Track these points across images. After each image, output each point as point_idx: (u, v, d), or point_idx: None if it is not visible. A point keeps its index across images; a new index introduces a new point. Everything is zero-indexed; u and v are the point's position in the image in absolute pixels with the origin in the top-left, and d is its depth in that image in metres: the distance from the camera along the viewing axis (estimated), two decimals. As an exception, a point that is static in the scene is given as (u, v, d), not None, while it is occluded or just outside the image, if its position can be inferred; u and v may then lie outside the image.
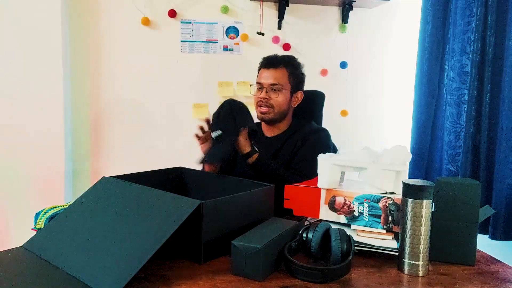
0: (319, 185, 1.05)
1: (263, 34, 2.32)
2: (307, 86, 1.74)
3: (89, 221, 0.95)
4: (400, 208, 0.91)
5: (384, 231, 0.97)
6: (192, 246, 0.91)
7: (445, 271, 0.90)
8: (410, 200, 0.87)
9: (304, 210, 1.06)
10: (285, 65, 1.56)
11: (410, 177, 2.05)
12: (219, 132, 1.29)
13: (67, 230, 0.95)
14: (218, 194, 0.97)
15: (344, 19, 2.39)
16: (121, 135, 2.31)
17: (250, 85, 1.65)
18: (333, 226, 0.92)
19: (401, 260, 0.89)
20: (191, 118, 2.29)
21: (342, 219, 1.02)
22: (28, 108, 2.11)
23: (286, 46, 2.37)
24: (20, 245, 0.96)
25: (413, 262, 0.87)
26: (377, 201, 0.98)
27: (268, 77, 1.54)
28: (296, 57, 1.64)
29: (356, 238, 0.97)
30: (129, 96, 2.30)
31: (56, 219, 1.00)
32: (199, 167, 1.42)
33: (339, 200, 1.02)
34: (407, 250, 0.88)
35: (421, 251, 0.87)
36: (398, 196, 0.96)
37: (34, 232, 1.00)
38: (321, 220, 1.04)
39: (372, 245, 0.96)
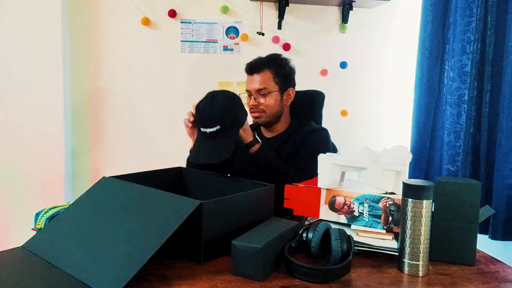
0: (319, 185, 1.05)
1: (263, 34, 2.32)
2: (307, 86, 1.74)
3: (89, 221, 0.95)
4: (400, 208, 0.91)
5: (384, 231, 0.97)
6: (192, 246, 0.91)
7: (445, 271, 0.90)
8: (410, 200, 0.87)
9: (304, 210, 1.06)
10: (269, 67, 1.52)
11: (410, 177, 2.05)
12: (217, 127, 1.23)
13: (67, 230, 0.95)
14: (218, 194, 0.97)
15: (344, 19, 2.39)
16: (121, 135, 2.31)
17: (240, 94, 1.62)
18: (333, 226, 0.92)
19: (401, 260, 0.89)
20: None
21: (342, 219, 1.02)
22: (28, 108, 2.11)
23: (286, 46, 2.37)
24: (20, 245, 0.96)
25: (413, 262, 0.87)
26: (377, 201, 0.98)
27: (253, 82, 1.52)
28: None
29: (356, 238, 0.97)
30: (129, 96, 2.31)
31: (56, 219, 1.00)
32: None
33: (339, 200, 1.02)
34: (407, 250, 0.88)
35: (421, 251, 0.87)
36: (398, 196, 0.96)
37: (34, 232, 1.00)
38: (321, 220, 1.04)
39: (372, 245, 0.96)
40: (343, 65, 2.43)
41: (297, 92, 1.64)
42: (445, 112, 1.99)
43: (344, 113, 2.44)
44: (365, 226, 0.99)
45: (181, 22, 2.31)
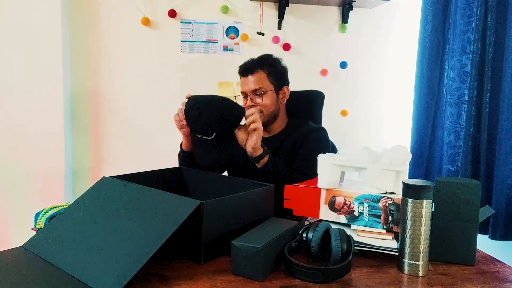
0: (319, 185, 1.05)
1: (263, 34, 2.32)
2: (307, 86, 1.74)
3: (89, 221, 0.95)
4: (400, 208, 0.91)
5: (384, 231, 0.97)
6: (192, 246, 0.91)
7: (445, 271, 0.90)
8: (410, 200, 0.87)
9: (304, 210, 1.06)
10: (261, 67, 1.52)
11: (410, 177, 2.05)
12: (213, 135, 1.24)
13: (67, 230, 0.95)
14: (218, 194, 0.97)
15: (344, 19, 2.39)
16: (121, 135, 2.31)
17: (236, 96, 1.62)
18: (333, 226, 0.92)
19: (401, 260, 0.89)
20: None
21: (342, 219, 1.02)
22: (28, 108, 2.11)
23: (286, 46, 2.37)
24: (20, 245, 0.96)
25: (413, 262, 0.87)
26: (377, 201, 0.98)
27: (248, 83, 1.52)
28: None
29: (356, 238, 0.97)
30: (129, 96, 2.31)
31: (56, 219, 1.00)
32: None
33: (339, 200, 1.02)
34: (407, 250, 0.88)
35: (421, 251, 0.87)
36: (398, 196, 0.96)
37: (34, 232, 1.00)
38: (321, 220, 1.04)
39: (372, 245, 0.96)
40: (343, 65, 2.43)
41: (297, 92, 1.64)
42: (445, 112, 1.99)
43: (344, 113, 2.44)
44: (365, 226, 0.99)
45: (181, 22, 2.31)
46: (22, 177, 2.14)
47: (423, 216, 0.86)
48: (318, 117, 1.75)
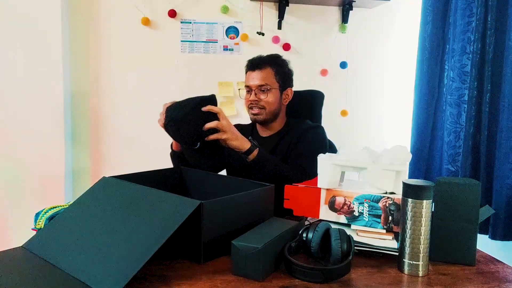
0: (319, 185, 1.05)
1: (263, 34, 2.32)
2: (307, 86, 1.74)
3: (89, 221, 0.95)
4: (400, 208, 0.91)
5: (384, 231, 0.97)
6: (192, 246, 0.91)
7: (445, 271, 0.90)
8: (410, 200, 0.87)
9: (304, 210, 1.06)
10: (270, 65, 1.54)
11: (410, 177, 2.05)
12: (198, 144, 1.24)
13: (67, 230, 0.95)
14: (218, 194, 0.97)
15: (344, 19, 2.39)
16: (121, 135, 2.31)
17: (239, 89, 1.63)
18: (333, 226, 0.92)
19: (401, 260, 0.89)
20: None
21: (342, 219, 1.02)
22: (28, 108, 2.11)
23: (286, 46, 2.37)
24: (20, 245, 0.96)
25: (413, 262, 0.87)
26: (377, 201, 0.98)
27: (255, 78, 1.53)
28: (283, 55, 1.63)
29: (356, 238, 0.97)
30: (129, 96, 2.31)
31: (56, 219, 1.00)
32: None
33: (339, 200, 1.02)
34: (407, 250, 0.88)
35: (421, 251, 0.87)
36: (398, 196, 0.96)
37: (34, 232, 1.00)
38: (321, 220, 1.04)
39: (372, 245, 0.96)
40: (343, 65, 2.43)
41: (297, 92, 1.65)
42: (445, 112, 1.99)
43: (344, 113, 2.44)
44: (365, 226, 0.99)
45: (181, 22, 2.31)
46: (22, 177, 2.14)
47: (423, 216, 0.86)
48: (318, 117, 1.75)
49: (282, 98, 1.57)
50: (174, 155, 1.47)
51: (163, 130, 1.28)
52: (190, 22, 2.32)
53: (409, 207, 0.87)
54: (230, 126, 1.27)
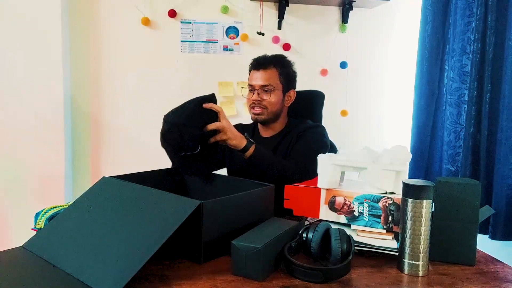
0: (319, 185, 1.05)
1: (263, 34, 2.32)
2: (307, 86, 1.74)
3: (89, 221, 0.95)
4: (400, 208, 0.91)
5: (384, 231, 0.97)
6: (192, 246, 0.91)
7: (445, 271, 0.90)
8: (410, 200, 0.87)
9: (304, 210, 1.06)
10: (275, 65, 1.54)
11: (410, 177, 2.05)
12: (198, 148, 1.21)
13: (67, 230, 0.95)
14: (218, 194, 0.97)
15: (344, 19, 2.39)
16: (121, 135, 2.31)
17: (242, 87, 1.62)
18: (333, 226, 0.92)
19: (401, 260, 0.89)
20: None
21: (342, 219, 1.02)
22: (28, 108, 2.11)
23: (286, 46, 2.37)
24: (20, 245, 0.96)
25: (413, 262, 0.87)
26: (377, 201, 0.98)
27: (259, 78, 1.52)
28: (286, 56, 1.63)
29: (356, 238, 0.97)
30: (129, 96, 2.31)
31: (56, 219, 1.00)
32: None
33: (339, 200, 1.02)
34: (407, 250, 0.88)
35: (421, 251, 0.87)
36: (398, 196, 0.96)
37: (34, 232, 1.00)
38: (321, 220, 1.04)
39: (372, 245, 0.96)
40: (343, 65, 2.43)
41: (297, 92, 1.65)
42: (445, 112, 1.99)
43: (344, 113, 2.44)
44: (365, 226, 0.99)
45: (181, 22, 2.31)
46: (22, 177, 2.14)
47: (423, 216, 0.86)
48: (318, 117, 1.75)
49: (284, 99, 1.57)
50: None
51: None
52: (190, 22, 2.32)
53: (409, 207, 0.87)
54: (230, 126, 1.27)
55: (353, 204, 1.00)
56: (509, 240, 1.65)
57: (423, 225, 0.86)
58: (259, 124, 1.64)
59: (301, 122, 1.59)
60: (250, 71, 1.59)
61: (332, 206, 1.03)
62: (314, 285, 0.81)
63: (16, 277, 0.81)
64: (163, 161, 1.46)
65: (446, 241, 0.94)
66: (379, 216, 0.98)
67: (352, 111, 2.45)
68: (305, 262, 0.88)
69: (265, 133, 1.62)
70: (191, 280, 0.83)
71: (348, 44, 2.43)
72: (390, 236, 0.97)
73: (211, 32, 2.33)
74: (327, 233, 0.90)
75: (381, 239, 0.97)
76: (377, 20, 2.45)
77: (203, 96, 1.23)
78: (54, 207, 1.07)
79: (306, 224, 1.06)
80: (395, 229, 0.96)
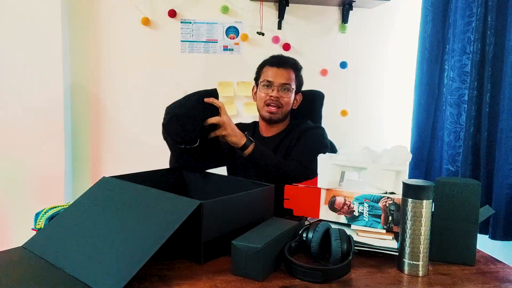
0: (319, 185, 1.05)
1: (263, 34, 2.32)
2: (307, 86, 1.74)
3: (89, 221, 0.95)
4: (400, 208, 0.91)
5: (384, 231, 0.97)
6: (192, 246, 0.91)
7: (445, 271, 0.90)
8: (410, 200, 0.87)
9: (304, 210, 1.06)
10: (292, 67, 1.58)
11: (410, 177, 2.05)
12: (197, 142, 1.21)
13: (67, 230, 0.95)
14: (218, 194, 0.97)
15: (344, 19, 2.39)
16: (121, 135, 2.31)
17: (261, 82, 1.59)
18: (333, 226, 0.92)
19: (401, 260, 0.89)
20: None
21: (342, 219, 1.02)
22: (28, 108, 2.11)
23: (286, 46, 2.37)
24: (20, 245, 0.96)
25: (413, 262, 0.87)
26: (377, 201, 0.98)
27: (279, 76, 1.54)
28: (296, 58, 1.64)
29: (356, 238, 0.97)
30: (129, 96, 2.31)
31: (56, 219, 1.00)
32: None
33: (339, 200, 1.02)
34: (407, 250, 0.88)
35: (421, 251, 0.87)
36: (398, 196, 0.96)
37: (34, 232, 1.00)
38: (321, 220, 1.04)
39: (372, 245, 0.96)
40: (343, 65, 2.43)
41: (297, 93, 1.65)
42: (445, 112, 1.99)
43: (344, 113, 2.44)
44: (365, 226, 0.99)
45: (181, 22, 2.31)
46: (22, 177, 2.14)
47: (423, 216, 0.86)
48: (318, 117, 1.75)
49: (293, 102, 1.60)
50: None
51: (162, 130, 1.27)
52: (190, 22, 2.32)
53: (409, 207, 0.87)
54: (230, 122, 1.27)
55: (353, 204, 1.00)
56: (509, 240, 1.65)
57: (423, 225, 0.86)
58: (260, 124, 1.64)
59: (301, 123, 1.60)
60: (263, 66, 1.59)
61: (332, 206, 1.03)
62: (314, 285, 0.81)
63: (16, 277, 0.81)
64: (163, 161, 1.46)
65: (446, 241, 0.94)
66: (379, 216, 0.98)
67: (352, 111, 2.45)
68: (305, 262, 0.88)
69: (266, 132, 1.62)
70: (191, 280, 0.83)
71: (348, 44, 2.43)
72: (390, 236, 0.97)
73: (211, 32, 2.33)
74: (327, 233, 0.90)
75: (381, 239, 0.97)
76: (377, 20, 2.45)
77: (206, 90, 1.24)
78: (54, 207, 1.07)
79: (306, 224, 1.06)
80: (395, 229, 0.96)
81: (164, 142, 1.47)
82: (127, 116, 2.31)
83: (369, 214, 0.99)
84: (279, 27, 2.35)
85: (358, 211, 1.00)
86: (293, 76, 1.57)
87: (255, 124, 1.67)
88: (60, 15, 2.11)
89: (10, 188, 2.15)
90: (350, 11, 2.37)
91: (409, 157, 1.04)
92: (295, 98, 1.61)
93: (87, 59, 2.26)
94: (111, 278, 0.75)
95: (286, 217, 1.12)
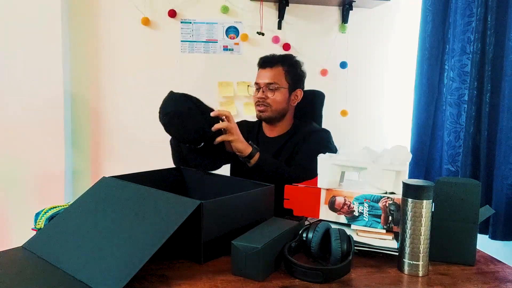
0: (319, 185, 1.05)
1: (263, 34, 2.32)
2: (307, 86, 1.74)
3: (89, 221, 0.95)
4: (400, 208, 0.91)
5: (384, 231, 0.97)
6: (192, 246, 0.91)
7: (445, 271, 0.90)
8: (410, 200, 0.87)
9: (304, 210, 1.06)
10: (282, 64, 1.55)
11: (410, 177, 2.05)
12: (201, 144, 1.22)
13: (67, 230, 0.95)
14: (218, 194, 0.97)
15: (344, 19, 2.39)
16: (121, 135, 2.31)
17: (248, 85, 1.63)
18: (333, 226, 0.92)
19: (401, 260, 0.89)
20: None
21: (342, 219, 1.02)
22: (28, 108, 2.11)
23: (286, 46, 2.37)
24: (20, 245, 0.96)
25: (413, 262, 0.87)
26: (377, 201, 0.98)
27: (264, 76, 1.54)
28: (295, 55, 1.63)
29: (356, 238, 0.97)
30: (129, 96, 2.31)
31: (56, 219, 1.00)
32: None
33: (339, 200, 1.02)
34: (407, 250, 0.88)
35: (421, 251, 0.87)
36: (398, 196, 0.96)
37: (34, 232, 1.00)
38: (321, 220, 1.04)
39: (372, 245, 0.96)
40: (343, 65, 2.43)
41: (297, 92, 1.64)
42: (445, 112, 1.99)
43: (344, 113, 2.44)
44: (365, 226, 0.99)
45: (181, 22, 2.31)
46: (22, 177, 2.14)
47: (423, 216, 0.86)
48: (318, 117, 1.75)
49: (290, 98, 1.57)
50: (175, 143, 1.43)
51: (163, 129, 1.27)
52: (190, 22, 2.32)
53: (409, 207, 0.87)
54: (237, 128, 1.28)
55: (353, 204, 1.00)
56: (509, 240, 1.65)
57: (423, 225, 0.86)
58: (263, 124, 1.64)
59: (305, 125, 1.59)
60: (258, 70, 1.60)
61: (332, 206, 1.03)
62: (314, 285, 0.81)
63: (16, 277, 0.81)
64: (163, 161, 1.46)
65: (446, 241, 0.94)
66: (379, 216, 0.98)
67: (352, 111, 2.45)
68: (305, 262, 0.88)
69: (270, 132, 1.62)
70: (191, 280, 0.83)
71: (348, 44, 2.43)
72: (390, 236, 0.97)
73: (211, 32, 2.33)
74: (327, 233, 0.90)
75: (381, 239, 0.97)
76: (377, 20, 2.45)
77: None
78: (54, 207, 1.07)
79: (306, 224, 1.06)
80: (395, 229, 0.96)
81: (164, 142, 1.47)
82: (127, 116, 2.31)
83: (369, 214, 0.99)
84: (279, 27, 2.35)
85: (358, 211, 1.00)
86: (281, 73, 1.54)
87: (259, 123, 1.67)
88: (60, 15, 2.11)
89: (10, 188, 2.15)
90: (350, 11, 2.37)
91: (409, 157, 1.04)
92: (293, 95, 1.58)
93: (87, 59, 2.26)
94: (111, 278, 0.75)
95: (286, 217, 1.12)
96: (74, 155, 2.27)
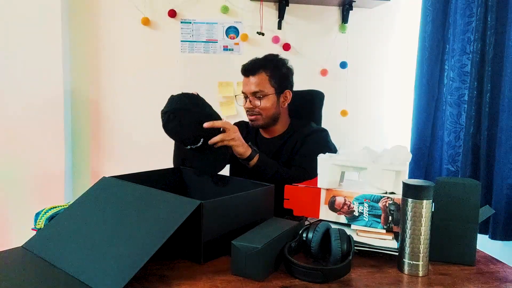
0: (319, 185, 1.05)
1: (263, 34, 2.32)
2: (307, 86, 1.74)
3: (89, 221, 0.95)
4: (400, 208, 0.91)
5: (384, 231, 0.97)
6: (192, 246, 0.91)
7: (445, 271, 0.90)
8: (410, 200, 0.87)
9: (304, 210, 1.06)
10: (264, 69, 1.48)
11: (410, 177, 2.05)
12: (201, 141, 1.20)
13: (67, 230, 0.95)
14: (218, 194, 0.97)
15: (344, 19, 2.39)
16: (121, 135, 2.31)
17: (236, 95, 1.59)
18: (333, 226, 0.92)
19: (401, 260, 0.89)
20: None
21: (342, 219, 1.02)
22: (28, 108, 2.11)
23: (286, 46, 2.37)
24: (20, 245, 0.96)
25: (413, 262, 0.87)
26: (377, 201, 0.98)
27: (249, 85, 1.49)
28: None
29: (356, 238, 0.97)
30: (129, 96, 2.31)
31: (56, 219, 1.00)
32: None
33: (339, 200, 1.02)
34: (407, 250, 0.88)
35: (421, 251, 0.87)
36: (398, 196, 0.96)
37: (34, 232, 1.00)
38: (321, 220, 1.04)
39: (372, 245, 0.96)
40: (343, 65, 2.43)
41: (297, 92, 1.64)
42: (445, 112, 1.99)
43: (344, 113, 2.44)
44: (365, 226, 0.99)
45: (181, 22, 2.31)
46: (22, 177, 2.14)
47: (423, 216, 0.86)
48: (318, 117, 1.75)
49: (279, 101, 1.52)
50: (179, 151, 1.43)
51: (163, 130, 1.27)
52: (190, 22, 2.32)
53: (409, 207, 0.87)
54: (235, 133, 1.27)
55: (353, 204, 1.00)
56: (509, 240, 1.65)
57: (423, 225, 0.86)
58: None
59: (304, 124, 1.58)
60: (243, 78, 1.55)
61: (332, 206, 1.03)
62: (314, 285, 0.81)
63: (16, 277, 0.81)
64: (163, 161, 1.46)
65: (446, 241, 0.94)
66: (379, 216, 0.98)
67: (352, 111, 2.45)
68: (305, 262, 0.88)
69: (268, 134, 1.61)
70: (191, 280, 0.83)
71: (348, 44, 2.43)
72: (390, 236, 0.97)
73: (211, 32, 2.33)
74: (327, 233, 0.90)
75: (381, 239, 0.97)
76: (377, 20, 2.45)
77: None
78: (54, 207, 1.07)
79: (306, 224, 1.06)
80: (395, 229, 0.96)
81: (164, 142, 1.47)
82: (127, 116, 2.31)
83: (369, 214, 0.99)
84: (279, 27, 2.35)
85: (358, 211, 1.00)
86: (264, 79, 1.47)
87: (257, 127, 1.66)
88: (60, 15, 2.11)
89: (10, 188, 2.15)
90: (350, 11, 2.37)
91: (409, 157, 1.04)
92: (282, 97, 1.53)
93: (87, 59, 2.26)
94: (111, 278, 0.75)
95: (286, 217, 1.12)
96: (74, 155, 2.27)
